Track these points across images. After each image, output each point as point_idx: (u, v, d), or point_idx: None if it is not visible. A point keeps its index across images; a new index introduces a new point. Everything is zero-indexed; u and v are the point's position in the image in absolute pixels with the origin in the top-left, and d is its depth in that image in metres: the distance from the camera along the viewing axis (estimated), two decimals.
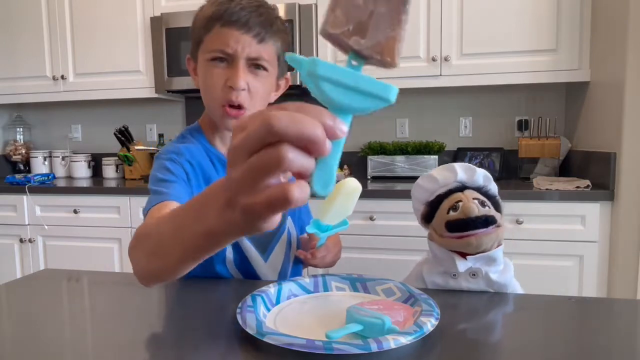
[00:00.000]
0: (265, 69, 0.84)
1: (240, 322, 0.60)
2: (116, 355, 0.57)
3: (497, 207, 0.79)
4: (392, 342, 0.54)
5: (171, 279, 0.52)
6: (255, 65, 0.82)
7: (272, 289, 0.73)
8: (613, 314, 0.71)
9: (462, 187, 0.79)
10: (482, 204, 0.75)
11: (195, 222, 0.42)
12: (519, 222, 1.86)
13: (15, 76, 2.63)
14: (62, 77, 2.56)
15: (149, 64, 2.44)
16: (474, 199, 0.75)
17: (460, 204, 0.75)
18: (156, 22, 2.37)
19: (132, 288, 0.86)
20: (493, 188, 0.81)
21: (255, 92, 0.83)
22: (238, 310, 0.64)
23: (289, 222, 1.01)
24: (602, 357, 0.55)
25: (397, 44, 0.36)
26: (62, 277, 0.93)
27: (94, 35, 2.50)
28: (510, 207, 1.87)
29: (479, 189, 0.79)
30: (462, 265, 0.75)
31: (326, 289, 0.79)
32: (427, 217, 0.81)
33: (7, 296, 0.79)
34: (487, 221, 0.73)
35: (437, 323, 0.60)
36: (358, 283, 0.79)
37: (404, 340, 0.55)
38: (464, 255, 0.76)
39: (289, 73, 0.94)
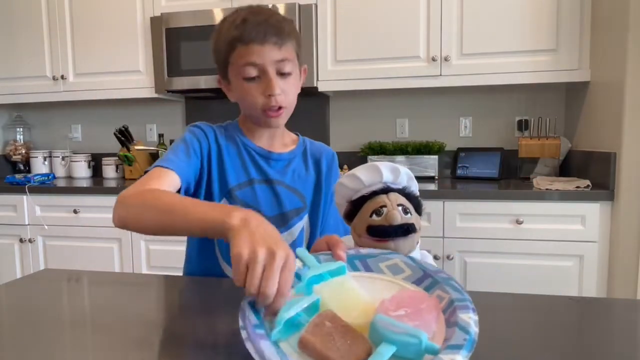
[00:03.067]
0: (290, 73, 0.95)
1: (255, 356, 0.48)
2: (116, 355, 0.57)
3: (418, 208, 0.79)
4: None
5: (152, 234, 0.81)
6: (281, 73, 0.94)
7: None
8: (613, 314, 0.70)
9: (386, 189, 0.78)
10: (405, 211, 0.75)
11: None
12: (519, 222, 1.86)
13: (15, 76, 2.63)
14: (62, 77, 2.56)
15: (149, 64, 2.44)
16: (398, 204, 0.75)
17: (385, 209, 0.74)
18: (156, 22, 2.37)
19: (132, 288, 0.86)
20: (415, 188, 0.81)
21: (288, 93, 0.95)
22: (244, 335, 0.50)
23: (305, 220, 1.04)
24: (602, 357, 0.55)
25: None
26: (62, 277, 0.93)
27: (94, 35, 2.50)
28: (510, 207, 1.87)
29: (402, 190, 0.79)
30: None
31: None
32: (349, 215, 0.81)
33: (7, 296, 0.79)
34: (407, 230, 0.73)
35: (477, 318, 0.52)
36: (357, 261, 0.68)
37: (461, 358, 0.47)
38: None
39: (305, 65, 1.09)
